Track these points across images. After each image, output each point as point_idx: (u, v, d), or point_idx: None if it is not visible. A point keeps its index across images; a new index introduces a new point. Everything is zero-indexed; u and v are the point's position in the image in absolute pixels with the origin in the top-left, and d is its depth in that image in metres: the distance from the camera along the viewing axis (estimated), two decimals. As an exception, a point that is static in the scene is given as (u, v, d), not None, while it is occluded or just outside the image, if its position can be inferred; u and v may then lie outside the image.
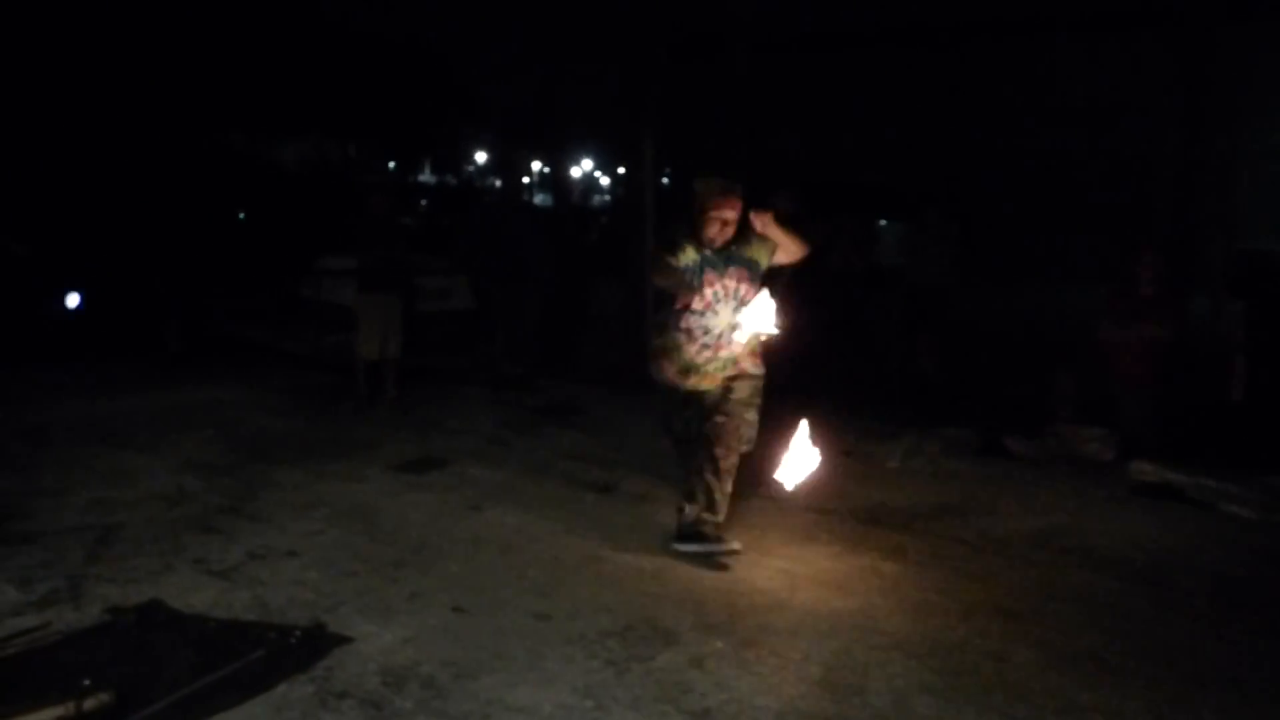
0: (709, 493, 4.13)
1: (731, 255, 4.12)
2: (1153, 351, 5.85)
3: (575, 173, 57.04)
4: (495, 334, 7.88)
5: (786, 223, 4.17)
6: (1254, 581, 4.11)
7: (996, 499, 5.11)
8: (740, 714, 2.92)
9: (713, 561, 4.04)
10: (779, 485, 4.27)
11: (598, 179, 60.13)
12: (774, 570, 4.04)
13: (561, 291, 8.64)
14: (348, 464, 5.40)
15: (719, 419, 4.14)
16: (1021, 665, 3.27)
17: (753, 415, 4.23)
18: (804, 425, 4.15)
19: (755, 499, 4.97)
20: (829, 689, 3.07)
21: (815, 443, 4.15)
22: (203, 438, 5.80)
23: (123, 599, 3.48)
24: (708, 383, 4.18)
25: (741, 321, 4.05)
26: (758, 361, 4.25)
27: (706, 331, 4.10)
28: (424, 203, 27.80)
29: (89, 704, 2.60)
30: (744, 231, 4.13)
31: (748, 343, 4.12)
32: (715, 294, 4.08)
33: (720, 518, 4.17)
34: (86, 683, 2.65)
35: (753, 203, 4.11)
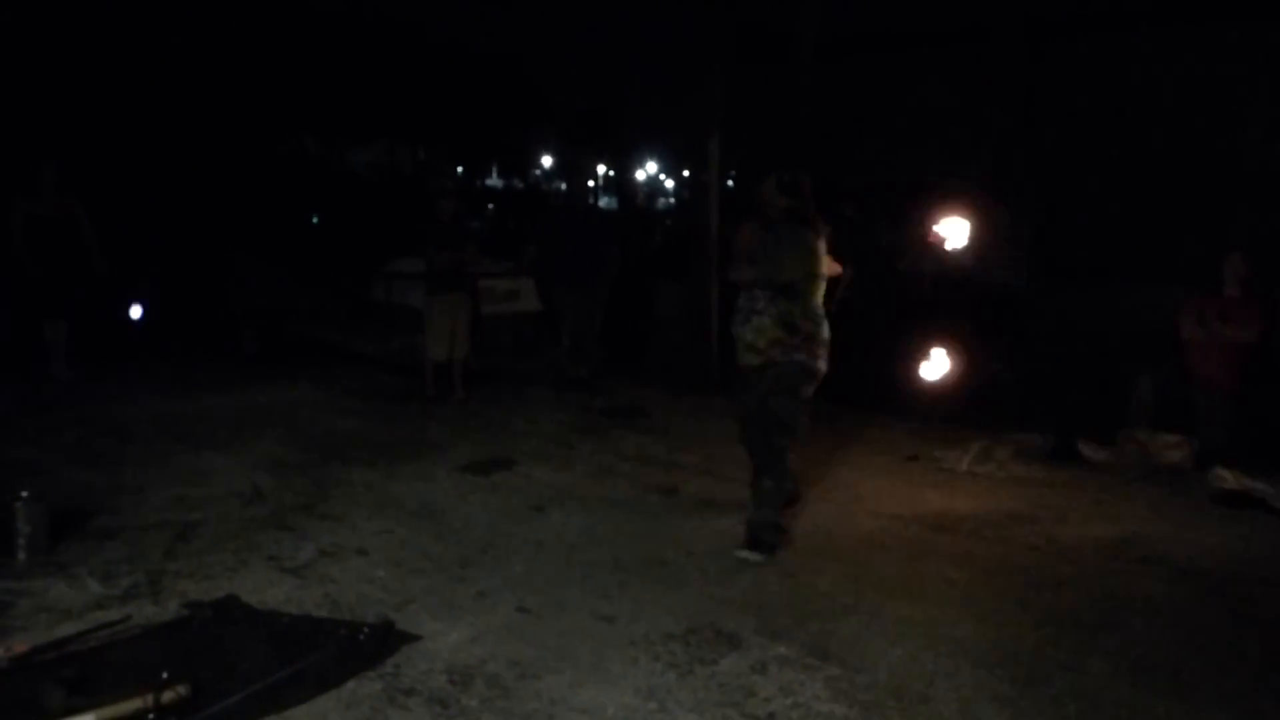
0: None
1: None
2: (1236, 355, 5.64)
3: (640, 176, 57.22)
4: (561, 336, 7.94)
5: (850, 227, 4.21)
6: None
7: (1069, 506, 4.98)
8: (804, 720, 2.90)
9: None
10: None
11: (662, 182, 60.19)
12: (839, 575, 4.00)
13: (626, 294, 8.67)
14: (416, 464, 5.50)
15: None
16: (1094, 676, 3.18)
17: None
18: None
19: (820, 503, 4.93)
20: (895, 696, 3.03)
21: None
22: (276, 437, 5.96)
23: (200, 594, 3.60)
24: None
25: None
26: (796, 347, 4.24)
27: (745, 313, 4.31)
28: (491, 206, 28.15)
29: (166, 696, 2.69)
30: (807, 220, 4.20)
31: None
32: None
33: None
34: (164, 675, 2.74)
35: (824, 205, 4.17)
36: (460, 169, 36.27)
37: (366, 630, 3.29)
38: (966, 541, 4.44)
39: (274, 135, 20.39)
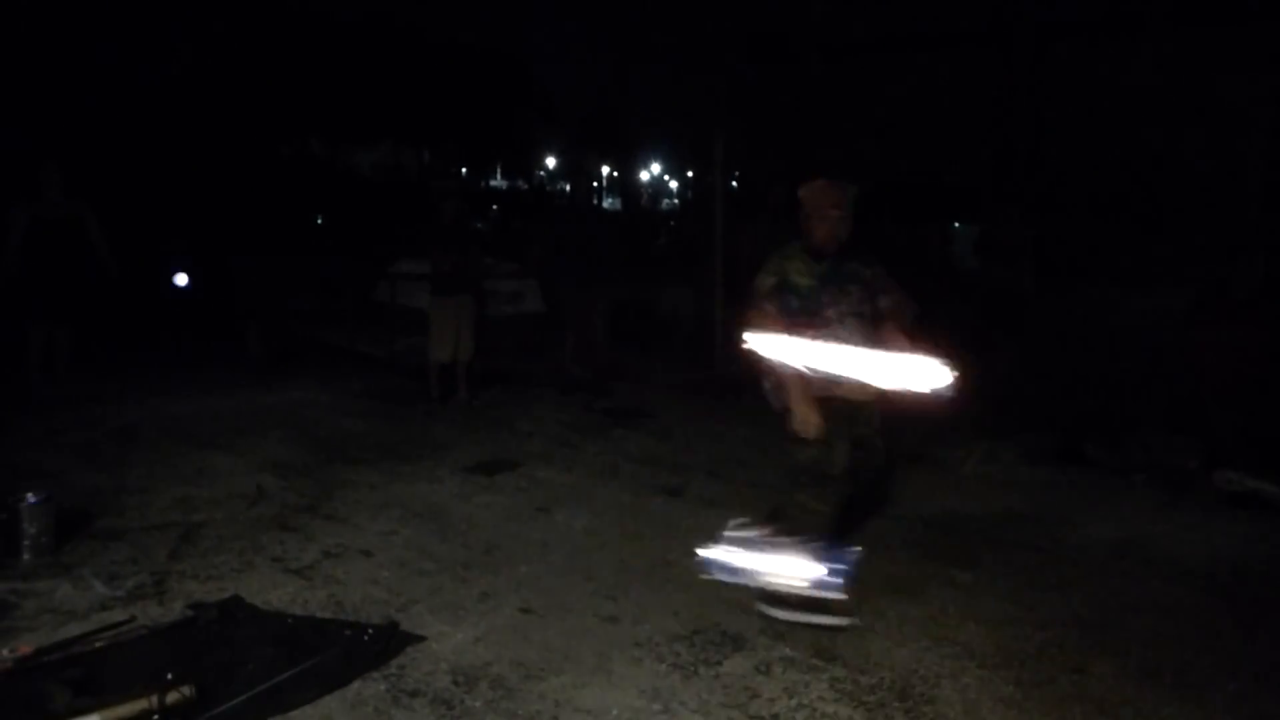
0: None
1: (845, 270, 3.72)
2: (1242, 355, 5.61)
3: (644, 177, 57.28)
4: (565, 338, 7.95)
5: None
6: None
7: (1075, 507, 4.97)
8: (808, 721, 2.89)
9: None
10: None
11: (666, 183, 60.20)
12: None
13: (631, 295, 8.68)
14: (421, 465, 5.50)
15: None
16: (1100, 677, 3.17)
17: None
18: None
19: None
20: (900, 697, 3.02)
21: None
22: (281, 438, 5.97)
23: (204, 595, 3.61)
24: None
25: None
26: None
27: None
28: (495, 207, 28.21)
29: (171, 697, 2.70)
30: (855, 244, 3.77)
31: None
32: (837, 314, 3.68)
33: None
34: (169, 676, 2.74)
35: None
36: (465, 170, 36.35)
37: (371, 631, 3.30)
38: (971, 542, 4.43)
39: (279, 137, 20.43)
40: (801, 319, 3.65)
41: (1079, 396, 7.00)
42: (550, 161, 50.90)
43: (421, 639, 3.33)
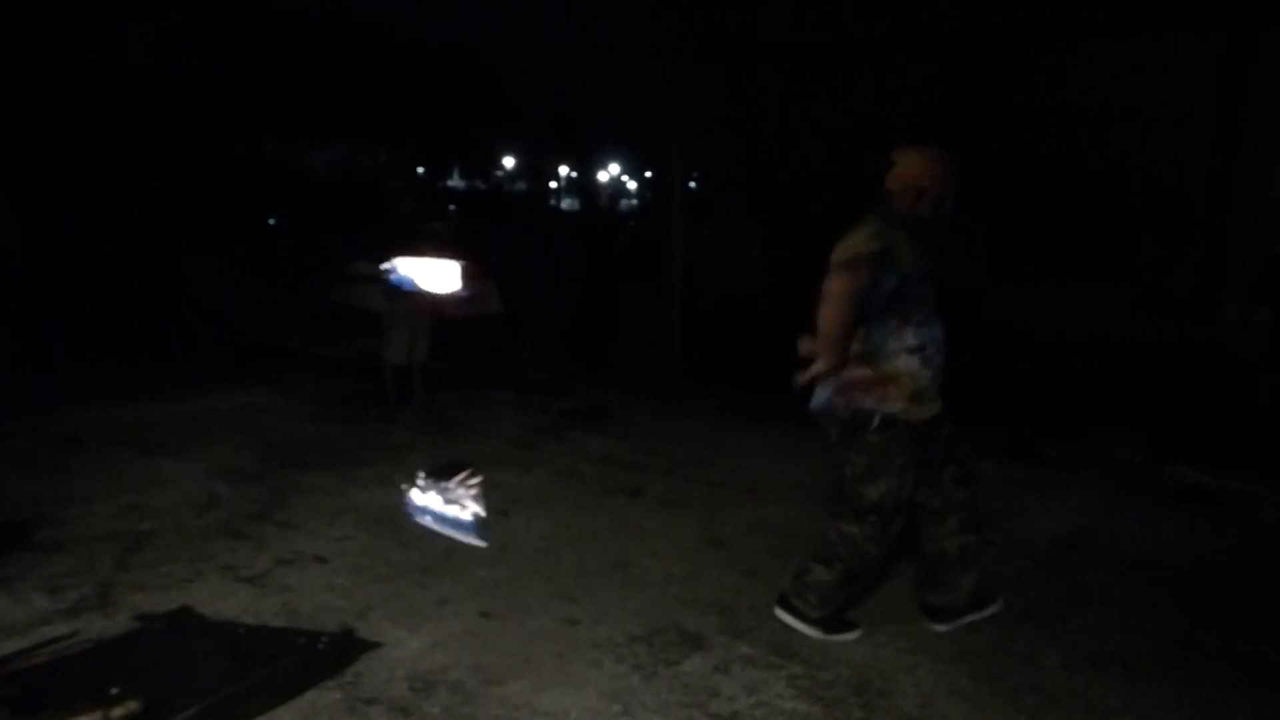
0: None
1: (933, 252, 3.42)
2: (1182, 353, 5.76)
3: (603, 177, 57.25)
4: (523, 339, 7.92)
5: None
6: (1292, 584, 4.03)
7: (1025, 501, 5.05)
8: (768, 718, 2.91)
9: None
10: None
11: (625, 183, 60.20)
12: (801, 574, 4.01)
13: (590, 295, 8.66)
14: (377, 469, 5.44)
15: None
16: (1051, 668, 3.23)
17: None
18: None
19: (782, 503, 4.96)
20: (857, 693, 3.05)
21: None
22: (233, 444, 5.87)
23: (152, 606, 3.53)
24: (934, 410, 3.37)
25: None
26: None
27: (937, 345, 3.35)
28: (453, 208, 27.98)
29: (117, 712, 2.63)
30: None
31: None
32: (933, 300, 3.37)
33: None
34: (114, 690, 2.68)
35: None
36: (421, 170, 36.02)
37: (326, 639, 3.25)
38: (926, 538, 4.48)
39: (231, 135, 20.06)
40: (898, 303, 3.21)
41: (1029, 392, 7.13)
42: (509, 161, 50.68)
43: (378, 646, 3.29)
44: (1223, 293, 6.47)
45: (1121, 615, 3.66)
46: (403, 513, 4.66)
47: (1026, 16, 9.63)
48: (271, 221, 16.21)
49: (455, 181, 45.54)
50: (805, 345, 3.34)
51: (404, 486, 4.59)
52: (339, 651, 3.18)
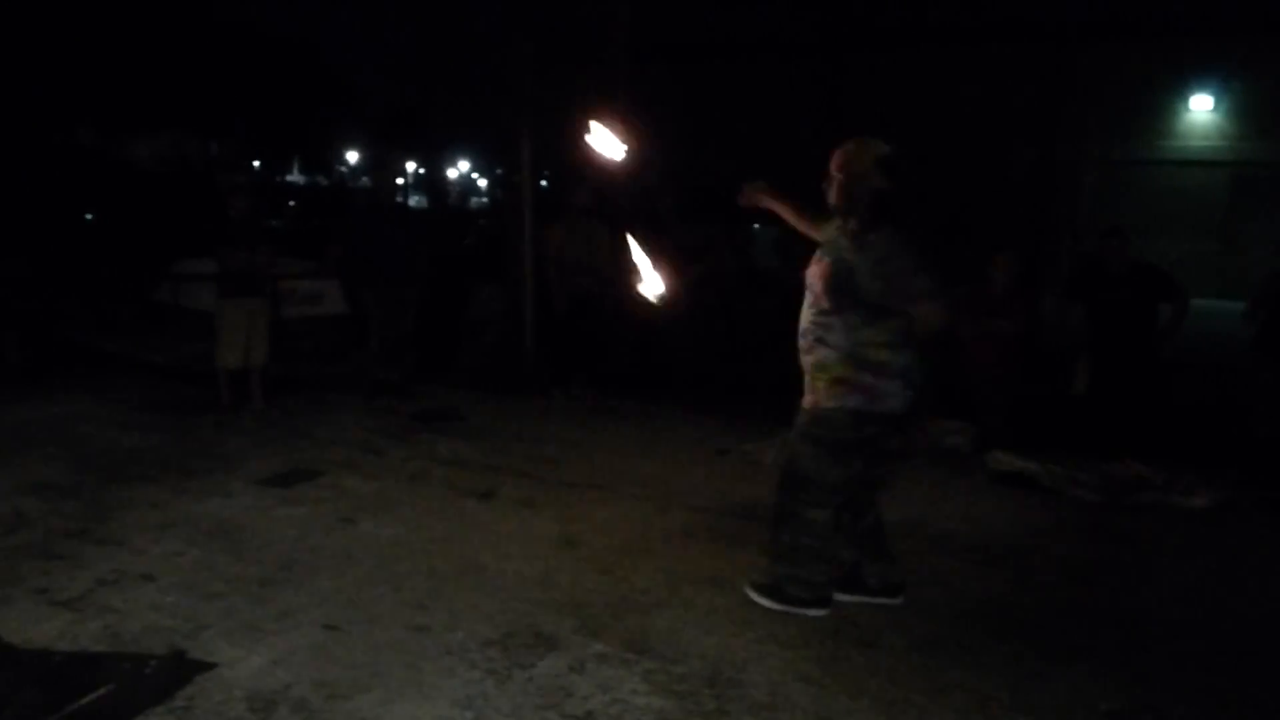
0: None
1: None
2: (1005, 347, 6.17)
3: (452, 174, 56.23)
4: (369, 340, 7.65)
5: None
6: (1099, 560, 4.39)
7: (867, 491, 5.28)
8: (623, 715, 2.92)
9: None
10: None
11: (475, 180, 59.39)
12: (655, 569, 4.06)
13: (439, 295, 8.47)
14: (211, 480, 5.14)
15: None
16: (890, 650, 3.38)
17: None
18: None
19: (635, 500, 5.00)
20: (709, 684, 3.11)
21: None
22: (45, 456, 5.41)
23: (-46, 636, 3.21)
24: None
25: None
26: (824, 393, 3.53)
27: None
28: (293, 203, 26.85)
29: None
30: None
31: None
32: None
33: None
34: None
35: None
36: (257, 163, 34.35)
37: (154, 663, 3.04)
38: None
39: (42, 123, 18.52)
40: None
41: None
42: (352, 156, 49.05)
43: (212, 666, 3.10)
44: (1040, 291, 6.97)
45: (955, 596, 3.89)
46: (240, 524, 4.43)
47: (864, 26, 10.09)
48: (89, 217, 15.07)
49: (295, 176, 43.73)
50: None
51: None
52: (169, 675, 2.98)
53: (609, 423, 6.74)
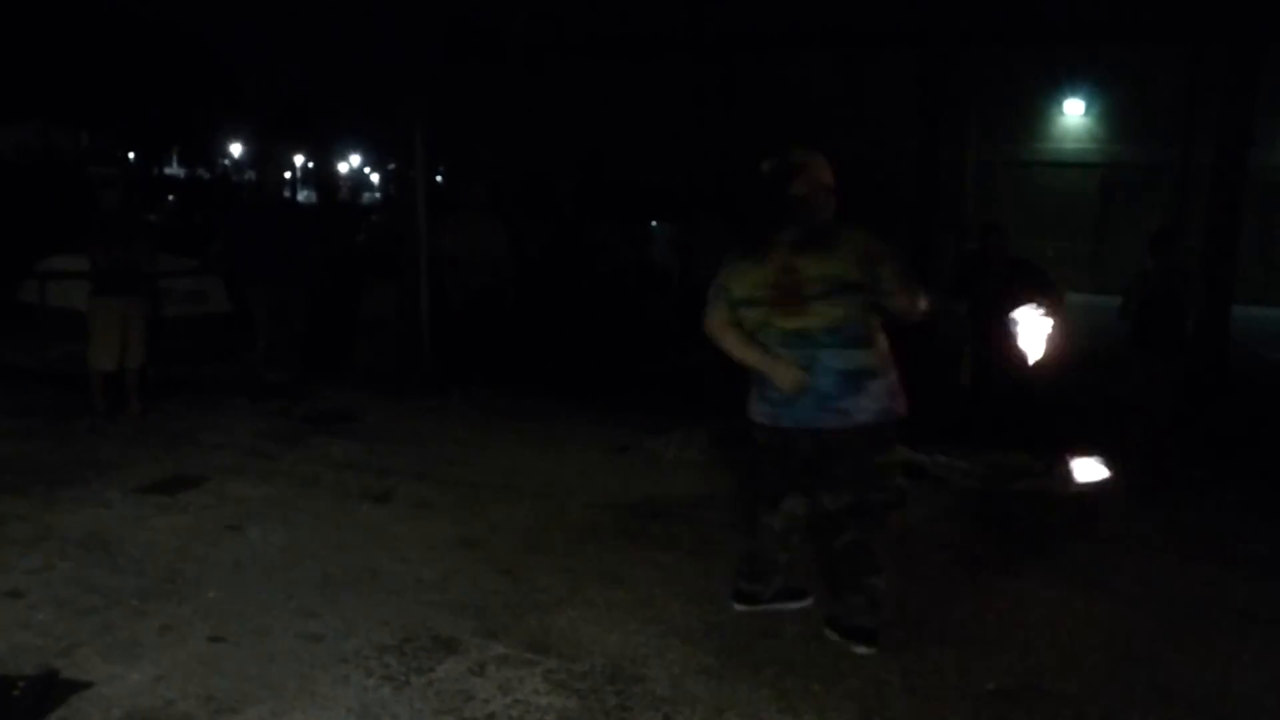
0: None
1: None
2: (896, 342, 6.36)
3: (343, 168, 54.75)
4: (255, 340, 7.37)
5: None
6: (984, 545, 4.57)
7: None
8: (525, 716, 2.89)
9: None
10: None
11: (367, 175, 57.98)
12: (556, 568, 4.04)
13: (330, 293, 8.23)
14: (84, 489, 4.87)
15: None
16: (789, 640, 3.45)
17: None
18: None
19: (535, 498, 4.97)
20: (611, 681, 3.11)
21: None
22: (-101, 468, 5.05)
23: None
24: None
25: None
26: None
27: None
28: (172, 198, 25.67)
29: None
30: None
31: None
32: None
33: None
34: None
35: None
36: (132, 155, 32.71)
37: (22, 684, 2.87)
38: (672, 525, 4.65)
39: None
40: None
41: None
42: (236, 149, 47.23)
43: (88, 685, 2.94)
44: (928, 287, 7.24)
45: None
46: (117, 535, 4.21)
47: (760, 27, 10.27)
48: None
49: (175, 169, 41.88)
50: None
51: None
52: (39, 696, 2.81)
53: (508, 421, 6.67)
